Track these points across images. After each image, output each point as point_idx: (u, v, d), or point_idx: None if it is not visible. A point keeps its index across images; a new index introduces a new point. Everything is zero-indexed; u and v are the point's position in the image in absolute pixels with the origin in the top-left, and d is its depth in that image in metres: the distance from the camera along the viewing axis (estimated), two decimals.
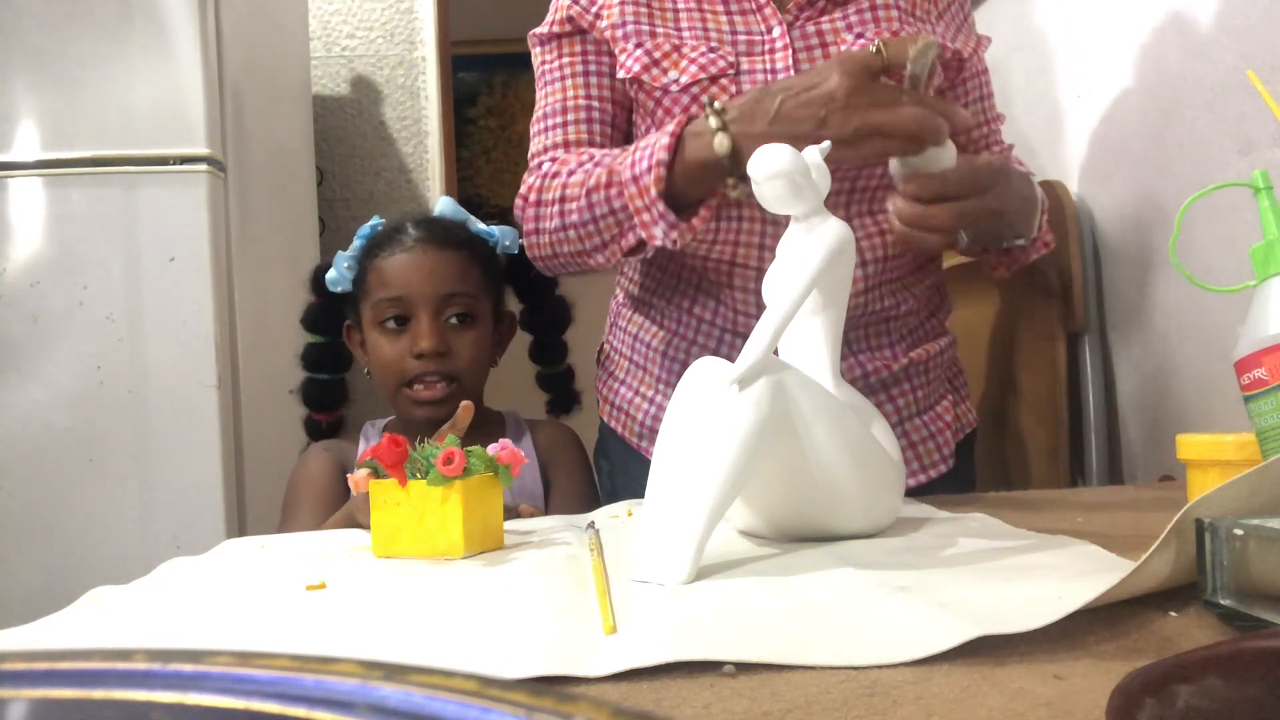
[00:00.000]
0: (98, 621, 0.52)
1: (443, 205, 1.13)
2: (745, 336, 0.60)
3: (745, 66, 0.98)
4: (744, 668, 0.38)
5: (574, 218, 0.96)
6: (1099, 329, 1.35)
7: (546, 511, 1.00)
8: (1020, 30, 1.55)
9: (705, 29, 1.00)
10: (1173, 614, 0.43)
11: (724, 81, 0.98)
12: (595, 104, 1.06)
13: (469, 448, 0.68)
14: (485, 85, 3.57)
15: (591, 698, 0.18)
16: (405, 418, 1.06)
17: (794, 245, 0.68)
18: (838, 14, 1.00)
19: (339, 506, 0.95)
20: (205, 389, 1.45)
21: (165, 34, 1.46)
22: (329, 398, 1.15)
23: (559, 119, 1.06)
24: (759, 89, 0.87)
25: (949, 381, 1.12)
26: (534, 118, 1.09)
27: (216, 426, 1.45)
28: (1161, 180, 1.22)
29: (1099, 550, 0.56)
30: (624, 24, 1.01)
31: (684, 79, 0.99)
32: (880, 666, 0.37)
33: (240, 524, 1.48)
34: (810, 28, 0.99)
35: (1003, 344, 1.42)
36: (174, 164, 1.46)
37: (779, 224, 0.70)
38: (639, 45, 1.00)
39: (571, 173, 0.98)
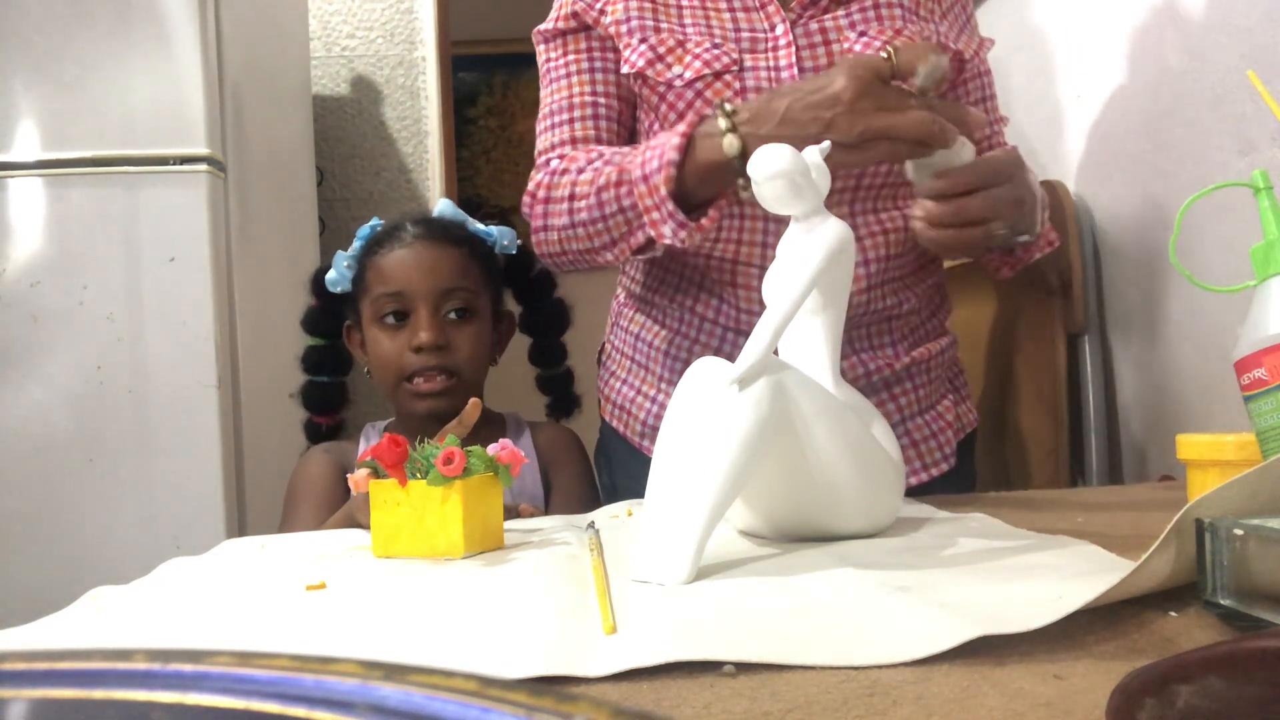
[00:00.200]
0: (98, 621, 0.52)
1: (441, 206, 1.13)
2: (748, 335, 0.60)
3: (749, 63, 0.99)
4: (744, 668, 0.38)
5: (583, 215, 0.96)
6: (1099, 329, 1.35)
7: (547, 512, 1.00)
8: (1020, 30, 1.55)
9: (709, 25, 1.00)
10: (1173, 614, 0.43)
11: (728, 78, 0.98)
12: (601, 100, 1.06)
13: (469, 448, 0.68)
14: (485, 85, 3.57)
15: (591, 698, 0.18)
16: (405, 413, 1.06)
17: (794, 245, 0.68)
18: (840, 12, 1.00)
19: (339, 508, 0.96)
20: (205, 389, 1.45)
21: (165, 34, 1.46)
22: (329, 401, 1.15)
23: (565, 116, 1.06)
24: (770, 91, 0.87)
25: (950, 381, 1.13)
26: (540, 115, 1.09)
27: (216, 426, 1.45)
28: (1161, 180, 1.22)
29: (1099, 550, 0.56)
30: (628, 19, 1.02)
31: (688, 74, 0.99)
32: (880, 666, 0.37)
33: (240, 524, 1.48)
34: (813, 25, 0.99)
35: (1003, 344, 1.42)
36: (174, 164, 1.46)
37: (782, 222, 0.70)
38: (643, 40, 1.01)
39: (581, 170, 0.98)
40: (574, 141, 1.05)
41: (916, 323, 1.09)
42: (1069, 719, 0.32)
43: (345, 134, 2.29)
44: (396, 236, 1.06)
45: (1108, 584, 0.41)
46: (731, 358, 0.60)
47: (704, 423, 0.57)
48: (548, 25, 1.09)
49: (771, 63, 0.98)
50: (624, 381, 1.13)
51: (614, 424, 1.14)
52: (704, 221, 0.88)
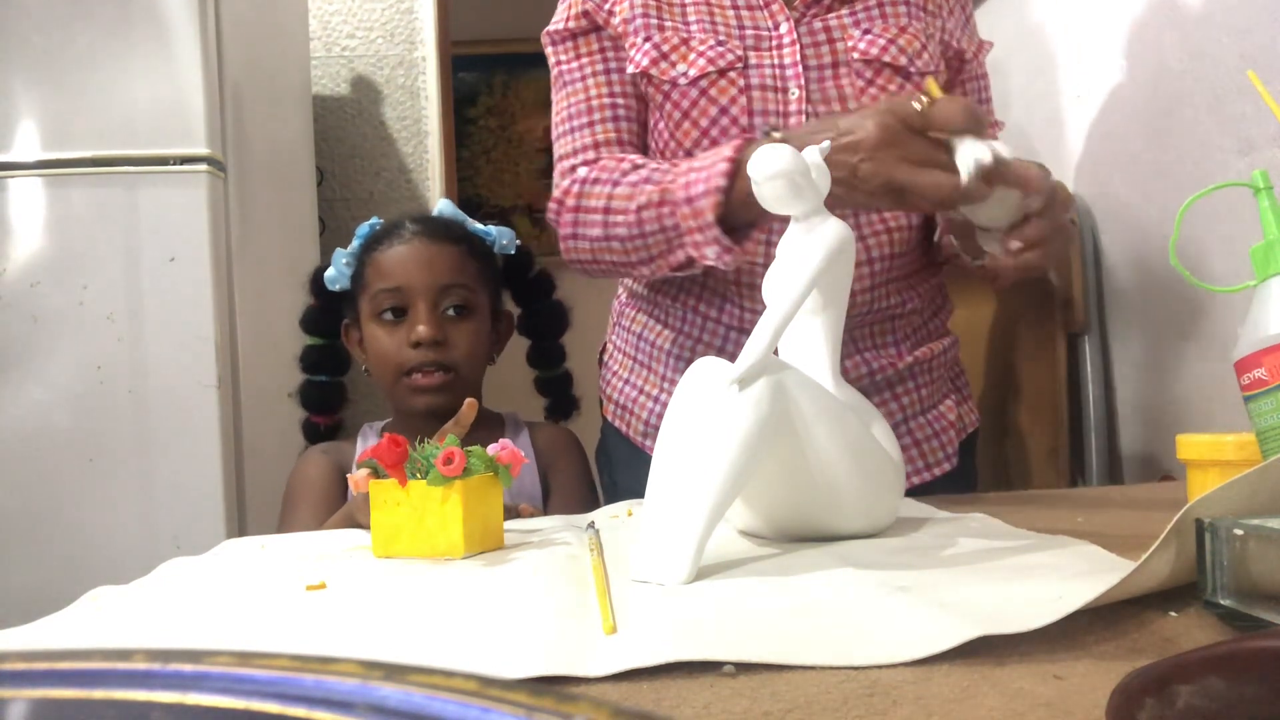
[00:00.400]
0: (98, 621, 0.52)
1: (441, 206, 1.13)
2: None
3: (753, 60, 0.98)
4: (744, 668, 0.38)
5: (620, 230, 0.96)
6: (1099, 329, 1.35)
7: (545, 512, 1.00)
8: (1020, 30, 1.55)
9: (713, 22, 1.00)
10: (1173, 614, 0.43)
11: (732, 75, 0.98)
12: (620, 101, 1.05)
13: (469, 448, 0.68)
14: (485, 85, 3.57)
15: (591, 698, 0.18)
16: (404, 409, 1.06)
17: (794, 245, 0.68)
18: (845, 10, 1.00)
19: (337, 509, 0.95)
20: (205, 389, 1.45)
21: (165, 34, 1.46)
22: (328, 400, 1.15)
23: (585, 119, 1.05)
24: (819, 121, 0.85)
25: (951, 381, 1.13)
26: (556, 118, 1.08)
27: (216, 426, 1.45)
28: (1161, 180, 1.22)
29: (1099, 550, 0.56)
30: (634, 18, 1.01)
31: (692, 72, 0.99)
32: (880, 666, 0.37)
33: (240, 524, 1.48)
34: (817, 24, 0.99)
35: (1003, 344, 1.42)
36: (174, 164, 1.46)
37: (787, 222, 0.70)
38: (647, 39, 1.01)
39: (616, 184, 0.97)
40: (596, 145, 1.04)
41: (919, 322, 1.09)
42: (1069, 719, 0.32)
43: (345, 134, 2.29)
44: (396, 234, 1.06)
45: (1108, 584, 0.41)
46: (735, 357, 0.60)
47: (704, 423, 0.57)
48: (557, 26, 1.08)
49: (776, 60, 0.98)
50: (626, 381, 1.13)
51: (616, 424, 1.14)
52: (746, 245, 0.88)
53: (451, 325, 1.04)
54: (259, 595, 0.58)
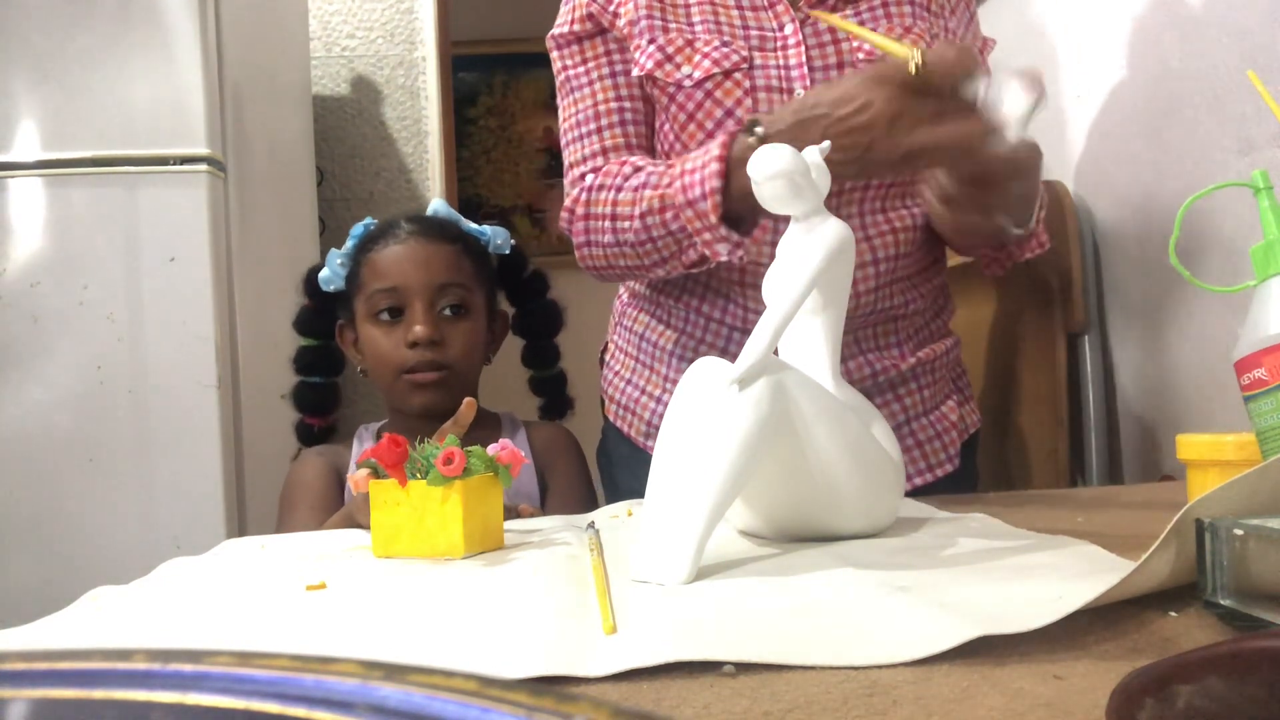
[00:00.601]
0: (98, 621, 0.52)
1: (435, 205, 1.13)
2: None
3: (758, 61, 0.98)
4: (744, 668, 0.38)
5: (629, 237, 0.96)
6: (1099, 329, 1.35)
7: (543, 512, 1.00)
8: (1020, 30, 1.55)
9: (718, 23, 1.00)
10: (1173, 614, 0.43)
11: (737, 76, 0.98)
12: (627, 105, 1.05)
13: (469, 448, 0.68)
14: (485, 85, 3.57)
15: (591, 698, 0.18)
16: (402, 409, 1.06)
17: (794, 245, 0.68)
18: (849, 11, 1.00)
19: (335, 511, 0.95)
20: (205, 389, 1.45)
21: (165, 34, 1.46)
22: (322, 402, 1.15)
23: (593, 125, 1.05)
24: (795, 105, 0.84)
25: (953, 382, 1.13)
26: (564, 125, 1.08)
27: (216, 426, 1.45)
28: (1161, 180, 1.22)
29: (1099, 550, 0.56)
30: (639, 20, 1.01)
31: (697, 74, 0.98)
32: (880, 666, 0.37)
33: (240, 524, 1.48)
34: (822, 24, 0.99)
35: (1003, 344, 1.42)
36: (174, 164, 1.46)
37: (789, 221, 0.70)
38: (652, 41, 1.00)
39: (619, 189, 0.97)
40: (605, 152, 1.04)
41: (921, 323, 1.09)
42: (1069, 719, 0.32)
43: (345, 134, 2.29)
44: (391, 233, 1.06)
45: (1108, 584, 0.41)
46: (738, 358, 0.60)
47: (704, 423, 0.57)
48: (562, 30, 1.07)
49: (781, 61, 0.98)
50: (628, 381, 1.13)
51: (618, 424, 1.14)
52: (755, 233, 0.89)
53: (448, 325, 1.04)
54: (259, 595, 0.58)
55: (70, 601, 0.57)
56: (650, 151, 1.06)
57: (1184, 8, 1.16)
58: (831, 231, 0.66)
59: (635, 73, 1.02)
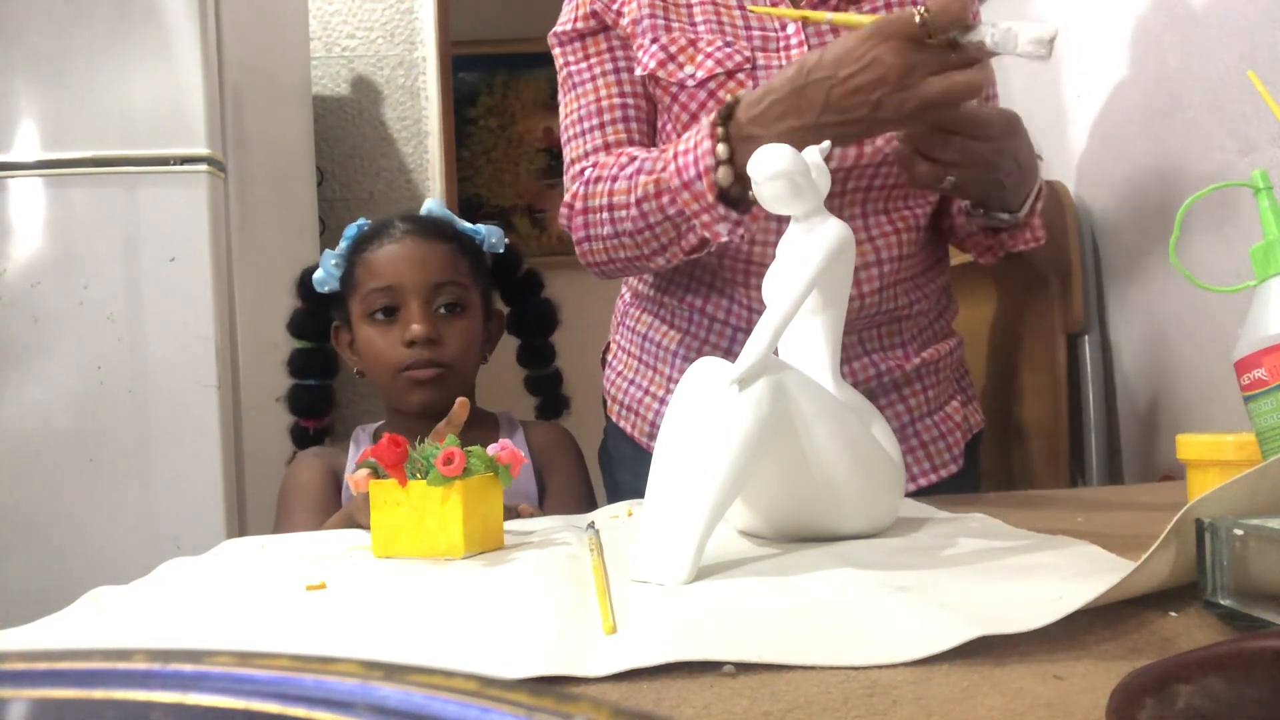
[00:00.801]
0: (98, 621, 0.52)
1: (429, 205, 1.13)
2: None
3: (761, 62, 0.98)
4: (744, 668, 0.38)
5: (627, 225, 0.95)
6: (1099, 329, 1.35)
7: (542, 511, 1.00)
8: None
9: (720, 23, 1.00)
10: (1173, 614, 0.43)
11: (740, 76, 0.98)
12: (630, 101, 1.05)
13: (469, 448, 0.68)
14: (485, 85, 3.57)
15: (591, 698, 0.18)
16: (401, 408, 1.06)
17: (794, 245, 0.68)
18: (851, 11, 1.00)
19: (332, 513, 0.95)
20: (205, 389, 1.45)
21: (165, 34, 1.46)
22: (317, 404, 1.15)
23: (594, 121, 1.05)
24: (790, 73, 0.83)
25: (957, 382, 1.13)
26: (565, 120, 1.07)
27: (216, 426, 1.45)
28: (1161, 180, 1.22)
29: (1099, 550, 0.56)
30: (641, 19, 1.01)
31: (700, 74, 0.98)
32: (880, 666, 0.37)
33: (240, 524, 1.48)
34: (825, 25, 0.99)
35: (1003, 344, 1.42)
36: (174, 164, 1.46)
37: (788, 221, 0.69)
38: (654, 41, 1.00)
39: (614, 179, 0.97)
40: (607, 148, 1.04)
41: (925, 323, 1.09)
42: (1069, 719, 0.32)
43: (345, 134, 2.29)
44: (386, 233, 1.06)
45: (1108, 584, 0.41)
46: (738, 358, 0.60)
47: (704, 423, 0.57)
48: (565, 27, 1.07)
49: (784, 62, 0.98)
50: (631, 382, 1.13)
51: (620, 424, 1.14)
52: (755, 210, 0.87)
53: (444, 324, 1.03)
54: (259, 595, 0.58)
55: (70, 601, 0.57)
56: (649, 150, 1.06)
57: (1184, 8, 1.16)
58: (831, 231, 0.66)
59: (638, 72, 1.02)
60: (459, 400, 0.83)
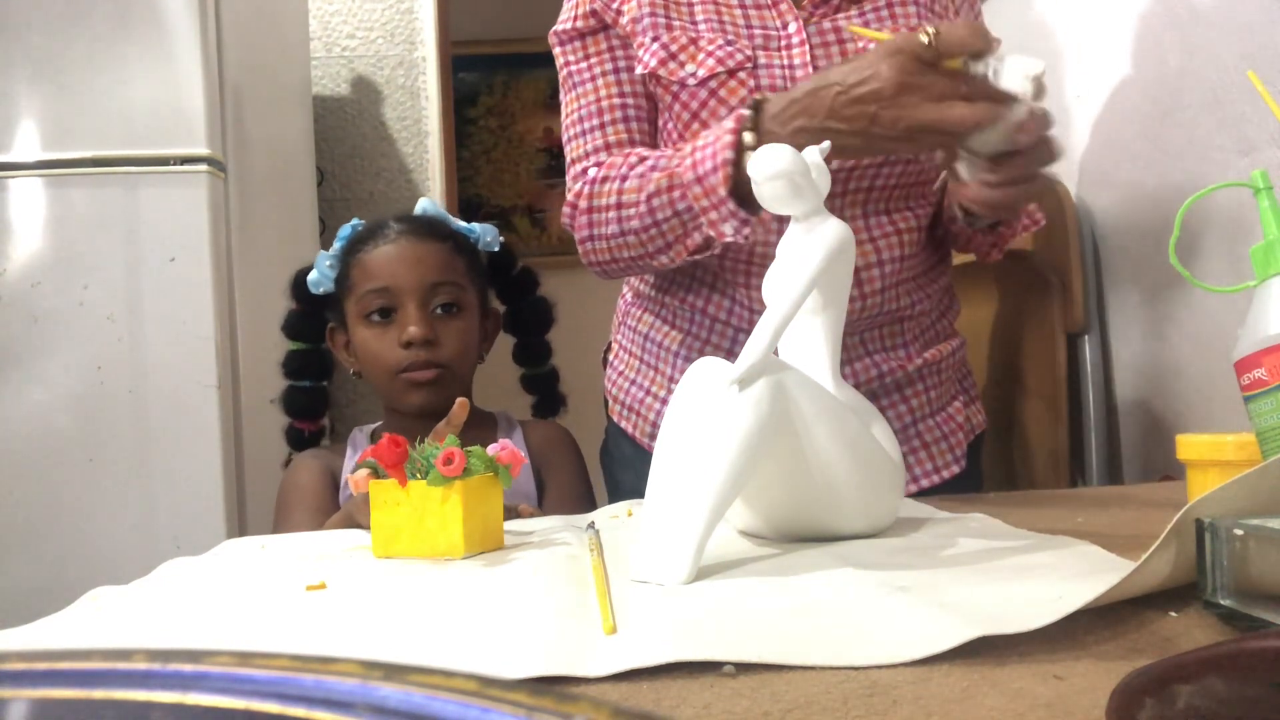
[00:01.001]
0: (98, 621, 0.52)
1: (423, 205, 1.13)
2: None
3: (762, 60, 0.98)
4: (744, 668, 0.38)
5: (634, 223, 0.95)
6: (1099, 329, 1.35)
7: (541, 510, 1.00)
8: (1021, 29, 1.55)
9: (721, 22, 1.00)
10: (1173, 614, 0.43)
11: (741, 75, 0.98)
12: (630, 100, 1.05)
13: (469, 448, 0.68)
14: (485, 85, 3.57)
15: (591, 698, 0.18)
16: (400, 408, 1.05)
17: (794, 245, 0.68)
18: (853, 10, 1.00)
19: (330, 515, 0.95)
20: (205, 389, 1.45)
21: (165, 34, 1.46)
22: (312, 406, 1.15)
23: (596, 121, 1.05)
24: (815, 79, 0.84)
25: (959, 383, 1.13)
26: (566, 120, 1.07)
27: (217, 426, 1.45)
28: (1161, 180, 1.22)
29: (1099, 550, 0.56)
30: (642, 18, 1.01)
31: (701, 72, 0.98)
32: (880, 666, 0.37)
33: (240, 524, 1.48)
34: (826, 24, 0.99)
35: (1003, 345, 1.42)
36: (174, 164, 1.46)
37: (788, 221, 0.69)
38: (655, 39, 1.00)
39: (624, 178, 0.97)
40: (608, 147, 1.04)
41: (928, 324, 1.09)
42: (1069, 719, 0.32)
43: (345, 134, 2.29)
44: (381, 234, 1.06)
45: (1108, 584, 0.41)
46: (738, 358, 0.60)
47: (704, 423, 0.57)
48: (565, 26, 1.07)
49: (785, 61, 0.98)
50: (632, 382, 1.13)
51: (622, 424, 1.14)
52: (762, 213, 0.87)
53: (441, 324, 1.03)
54: (259, 595, 0.58)
55: (70, 601, 0.57)
56: (653, 149, 1.06)
57: (1184, 8, 1.16)
58: (831, 231, 0.66)
59: (639, 70, 1.02)
60: (459, 400, 0.83)
